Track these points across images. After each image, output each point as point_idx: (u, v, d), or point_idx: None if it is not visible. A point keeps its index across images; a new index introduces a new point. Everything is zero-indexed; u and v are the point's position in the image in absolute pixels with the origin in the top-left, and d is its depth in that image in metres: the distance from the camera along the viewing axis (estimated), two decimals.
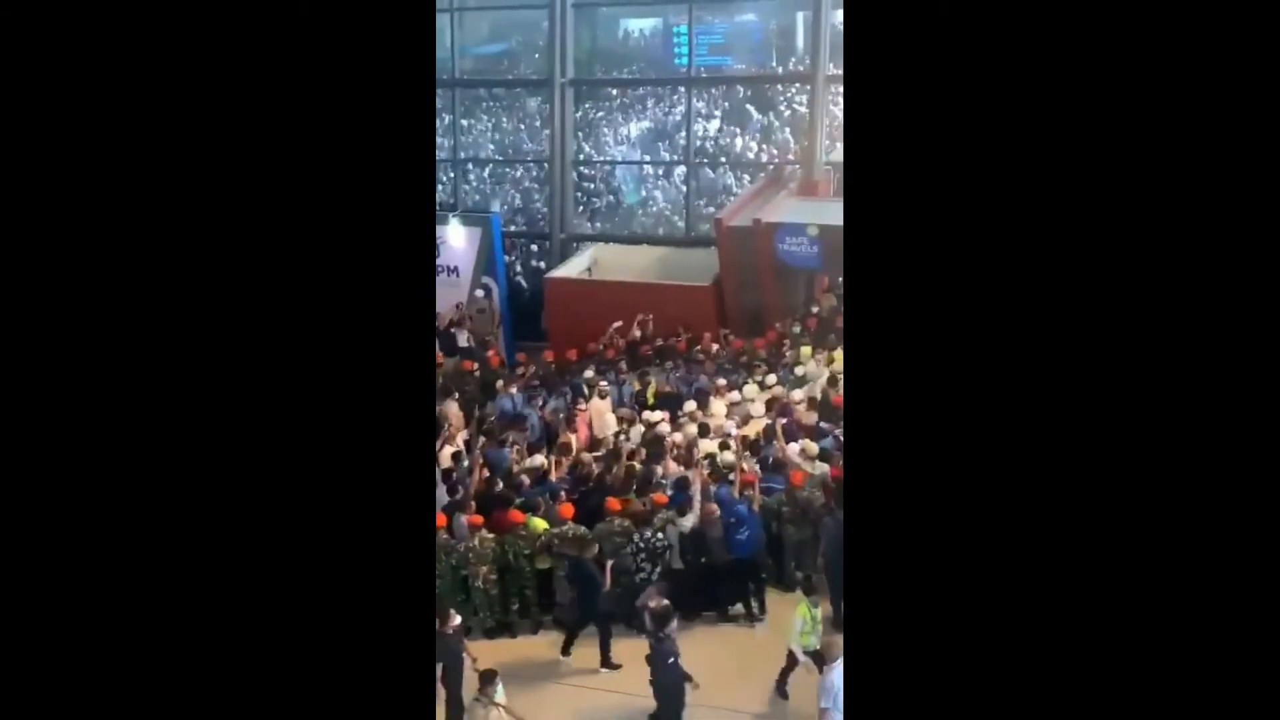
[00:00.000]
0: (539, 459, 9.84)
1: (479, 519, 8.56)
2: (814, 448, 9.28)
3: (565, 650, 8.24)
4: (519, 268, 16.43)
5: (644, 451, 9.73)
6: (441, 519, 8.58)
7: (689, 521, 8.43)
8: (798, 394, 10.48)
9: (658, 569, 8.31)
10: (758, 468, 9.07)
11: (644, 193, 16.81)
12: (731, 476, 8.90)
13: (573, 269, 14.63)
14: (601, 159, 16.85)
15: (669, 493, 8.83)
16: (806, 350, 11.30)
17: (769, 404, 10.38)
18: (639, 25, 17.61)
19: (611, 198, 16.74)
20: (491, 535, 8.51)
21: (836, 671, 6.01)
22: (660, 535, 8.36)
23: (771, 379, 10.88)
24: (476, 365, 12.21)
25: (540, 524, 8.63)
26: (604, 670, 8.05)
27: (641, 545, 8.31)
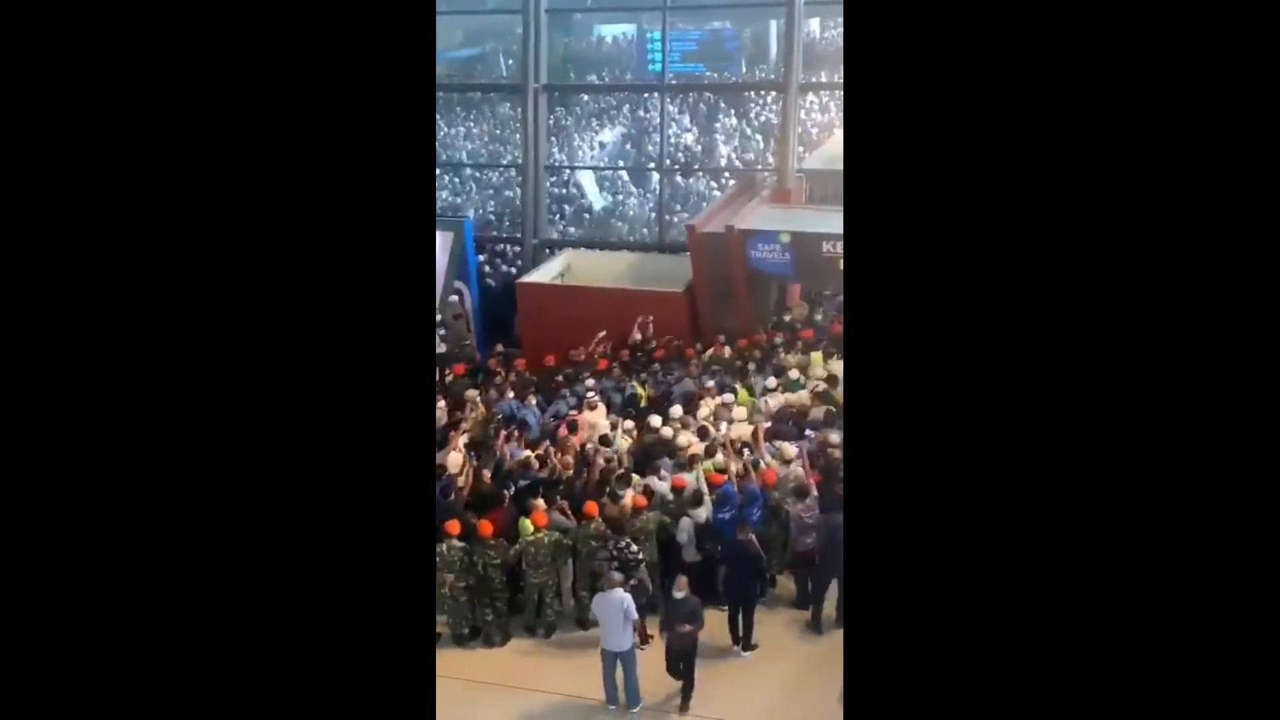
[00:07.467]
0: (526, 453, 9.84)
1: (455, 526, 8.50)
2: (790, 450, 9.37)
3: (746, 644, 8.28)
4: (488, 270, 16.37)
5: (628, 457, 9.77)
6: (454, 526, 8.50)
7: (703, 513, 8.50)
8: (790, 397, 10.63)
9: (631, 581, 8.31)
10: (756, 459, 9.24)
11: (614, 198, 16.84)
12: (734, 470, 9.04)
13: (545, 274, 14.59)
14: (574, 164, 16.85)
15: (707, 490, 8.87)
16: (817, 356, 11.47)
17: (752, 411, 10.48)
18: (613, 31, 17.65)
19: (584, 202, 16.74)
20: (461, 544, 8.48)
21: None
22: (633, 545, 8.36)
23: (772, 382, 11.02)
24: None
25: (529, 526, 8.59)
26: (746, 654, 8.23)
27: (614, 554, 8.30)
